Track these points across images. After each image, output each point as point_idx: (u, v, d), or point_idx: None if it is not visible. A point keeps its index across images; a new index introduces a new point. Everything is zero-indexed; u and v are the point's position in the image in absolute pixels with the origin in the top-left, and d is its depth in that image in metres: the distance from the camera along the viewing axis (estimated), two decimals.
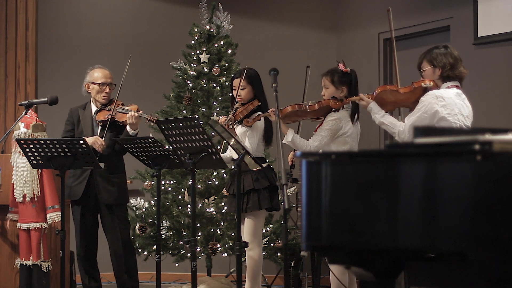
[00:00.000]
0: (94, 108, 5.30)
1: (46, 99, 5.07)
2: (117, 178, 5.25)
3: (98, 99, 5.27)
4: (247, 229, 4.75)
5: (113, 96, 5.33)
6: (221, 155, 4.51)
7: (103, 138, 5.15)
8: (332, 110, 4.63)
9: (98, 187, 5.19)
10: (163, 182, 6.29)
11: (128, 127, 5.09)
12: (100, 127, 5.21)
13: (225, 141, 4.31)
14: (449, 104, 4.08)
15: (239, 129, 4.82)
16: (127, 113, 5.09)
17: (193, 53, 6.58)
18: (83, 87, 5.33)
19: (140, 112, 5.09)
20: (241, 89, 4.82)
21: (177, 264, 6.48)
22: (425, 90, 4.22)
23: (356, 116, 4.62)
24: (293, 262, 6.11)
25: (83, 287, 5.40)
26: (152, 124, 5.07)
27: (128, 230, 5.35)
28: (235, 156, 4.59)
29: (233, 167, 4.63)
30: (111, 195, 5.20)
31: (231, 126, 4.71)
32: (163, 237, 6.10)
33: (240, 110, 4.79)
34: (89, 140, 4.98)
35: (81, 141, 4.69)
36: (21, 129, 5.33)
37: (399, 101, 4.42)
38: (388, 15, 4.63)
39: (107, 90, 5.26)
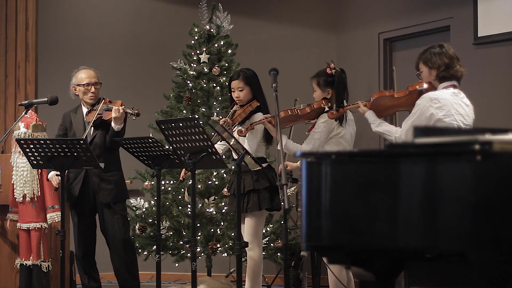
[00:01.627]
0: (85, 110, 5.31)
1: (46, 99, 5.08)
2: (113, 176, 5.24)
3: (86, 100, 5.29)
4: (247, 229, 4.75)
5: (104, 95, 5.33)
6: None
7: (95, 138, 5.17)
8: (324, 111, 4.62)
9: (95, 187, 5.20)
10: (163, 182, 6.29)
11: (112, 123, 5.09)
12: (92, 127, 5.21)
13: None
14: (445, 105, 4.05)
15: (236, 132, 4.80)
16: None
17: (193, 53, 6.58)
18: (70, 91, 5.34)
19: (123, 106, 5.08)
20: (239, 91, 4.82)
21: (177, 264, 6.48)
22: (421, 92, 4.22)
23: (343, 117, 4.61)
24: (293, 262, 6.11)
25: (83, 287, 5.40)
26: (134, 118, 5.06)
27: (127, 229, 5.35)
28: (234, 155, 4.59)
29: (233, 167, 4.62)
30: (109, 193, 5.20)
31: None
32: (163, 237, 6.10)
33: (238, 113, 4.78)
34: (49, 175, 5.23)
35: (81, 141, 4.70)
36: (21, 129, 5.33)
37: (396, 106, 4.42)
38: (392, 74, 4.62)
39: (93, 90, 5.27)
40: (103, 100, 5.21)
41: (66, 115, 5.40)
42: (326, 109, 4.61)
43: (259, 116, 4.78)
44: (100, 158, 5.10)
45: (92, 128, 5.20)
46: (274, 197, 4.75)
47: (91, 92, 5.26)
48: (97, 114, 5.13)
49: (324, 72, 4.66)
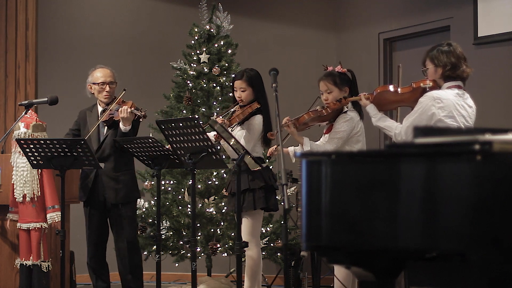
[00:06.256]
0: (100, 109, 5.29)
1: (46, 99, 5.07)
2: (123, 176, 5.22)
3: (101, 99, 5.28)
4: (243, 229, 4.73)
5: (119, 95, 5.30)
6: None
7: (106, 138, 5.15)
8: (342, 112, 4.62)
9: (104, 187, 5.19)
10: (163, 182, 6.29)
11: (120, 124, 5.05)
12: (106, 127, 5.20)
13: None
14: (447, 106, 4.06)
15: (235, 131, 4.79)
16: None
17: (193, 53, 6.58)
18: (86, 89, 5.33)
19: (132, 108, 5.06)
20: (241, 91, 4.80)
21: (177, 264, 6.48)
22: (424, 90, 4.22)
23: (361, 109, 4.63)
24: (293, 262, 6.11)
25: (92, 286, 5.38)
26: (141, 120, 5.04)
27: (134, 230, 5.32)
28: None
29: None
30: (117, 193, 5.19)
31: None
32: (163, 237, 6.10)
33: (237, 114, 4.75)
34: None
35: (82, 141, 4.70)
36: (21, 129, 5.32)
37: (399, 101, 4.42)
38: (398, 71, 4.60)
39: (107, 89, 5.24)
40: (117, 100, 5.17)
41: (81, 113, 5.39)
42: (345, 109, 4.61)
43: (258, 118, 4.77)
44: (111, 157, 5.10)
45: (106, 127, 5.19)
46: (270, 197, 4.72)
47: (106, 91, 5.23)
48: (109, 114, 5.11)
49: (336, 72, 4.65)
